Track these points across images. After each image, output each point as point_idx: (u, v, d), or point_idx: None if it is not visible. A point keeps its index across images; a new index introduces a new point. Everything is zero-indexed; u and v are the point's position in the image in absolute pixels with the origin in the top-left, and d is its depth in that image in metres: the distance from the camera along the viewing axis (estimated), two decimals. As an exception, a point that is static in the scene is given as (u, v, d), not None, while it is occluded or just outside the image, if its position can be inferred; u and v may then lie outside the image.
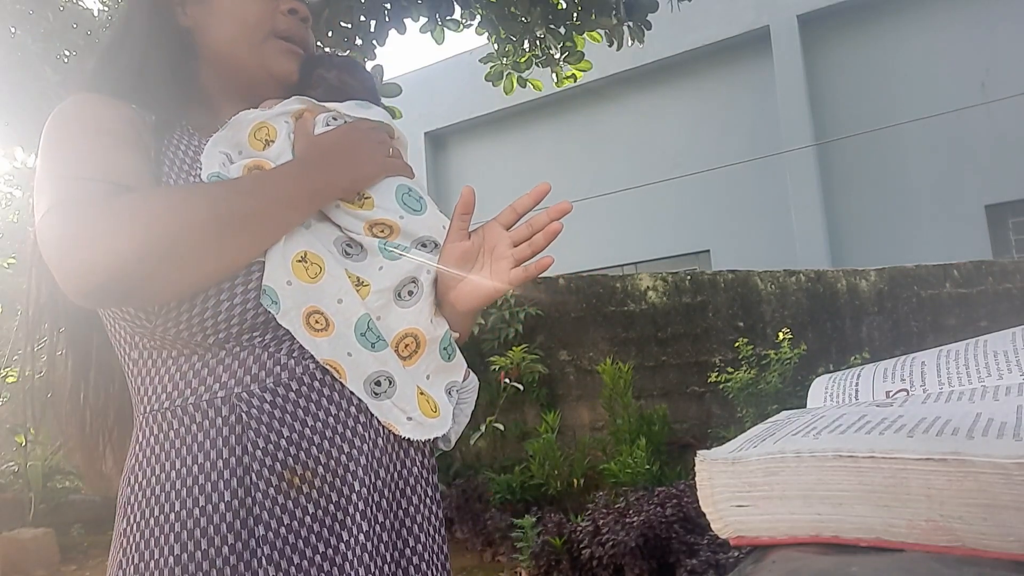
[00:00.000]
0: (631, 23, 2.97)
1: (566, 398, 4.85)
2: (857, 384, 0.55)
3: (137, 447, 0.74)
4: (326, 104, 0.87)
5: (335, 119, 0.85)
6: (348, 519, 0.71)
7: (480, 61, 3.49)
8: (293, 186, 0.75)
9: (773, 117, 8.55)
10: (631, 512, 3.02)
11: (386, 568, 0.73)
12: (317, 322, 0.73)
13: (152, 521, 0.70)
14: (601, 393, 4.24)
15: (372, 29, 2.91)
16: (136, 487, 0.72)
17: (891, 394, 0.51)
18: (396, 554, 0.75)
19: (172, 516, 0.69)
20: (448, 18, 3.03)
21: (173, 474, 0.70)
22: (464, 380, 0.86)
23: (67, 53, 3.70)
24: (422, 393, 0.79)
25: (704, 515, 0.40)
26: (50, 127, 0.75)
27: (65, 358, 0.84)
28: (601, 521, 3.05)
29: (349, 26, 2.87)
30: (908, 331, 4.31)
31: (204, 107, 0.87)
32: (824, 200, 8.28)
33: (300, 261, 0.74)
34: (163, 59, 0.83)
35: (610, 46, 3.08)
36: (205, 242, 0.67)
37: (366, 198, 0.81)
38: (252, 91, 0.87)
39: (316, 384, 0.73)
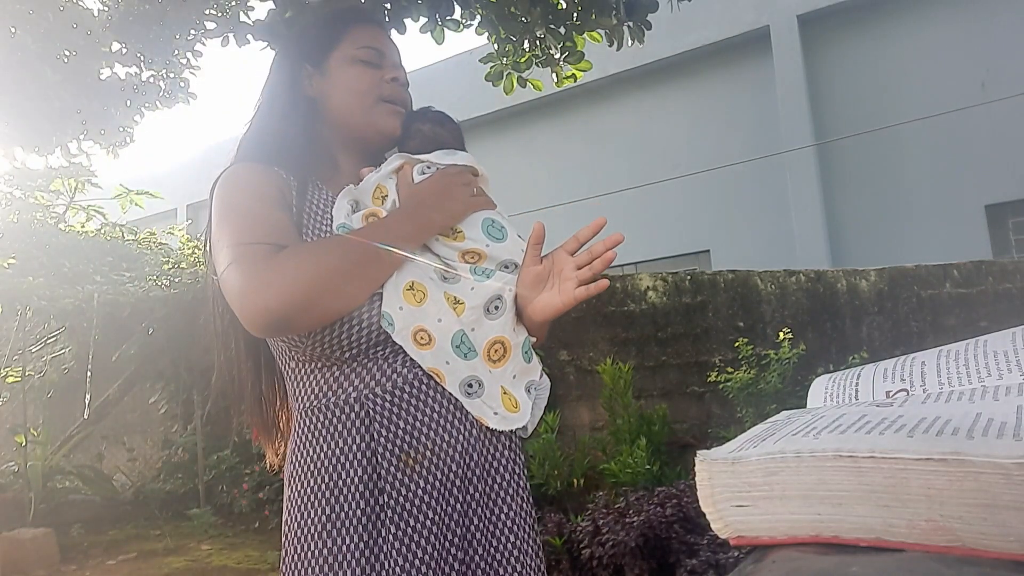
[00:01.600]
0: (631, 23, 2.97)
1: (566, 398, 4.85)
2: (857, 384, 0.55)
3: (295, 434, 0.97)
4: (419, 156, 1.06)
5: (428, 168, 1.04)
6: (446, 491, 0.92)
7: (480, 61, 3.48)
8: (401, 230, 0.96)
9: (773, 117, 8.55)
10: (631, 512, 3.02)
11: (481, 526, 0.94)
12: (422, 338, 0.93)
13: (308, 490, 0.92)
14: (601, 393, 4.23)
15: (372, 29, 2.91)
16: (296, 465, 0.95)
17: (891, 394, 0.51)
18: (491, 515, 0.96)
19: (323, 486, 0.91)
20: (448, 18, 3.02)
21: (321, 455, 0.92)
22: (539, 379, 1.04)
23: (67, 53, 3.70)
24: (505, 393, 0.98)
25: (704, 515, 0.40)
26: (220, 195, 0.97)
27: (247, 363, 1.07)
28: (601, 521, 3.05)
29: (349, 26, 2.87)
30: (908, 331, 4.31)
31: (327, 161, 1.08)
32: (824, 200, 8.28)
33: (409, 290, 0.94)
34: (298, 125, 1.05)
35: (610, 46, 3.08)
36: (342, 282, 0.89)
37: (458, 232, 1.01)
38: (365, 146, 1.09)
39: (423, 387, 0.94)
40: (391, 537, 0.89)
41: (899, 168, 7.98)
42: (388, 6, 2.90)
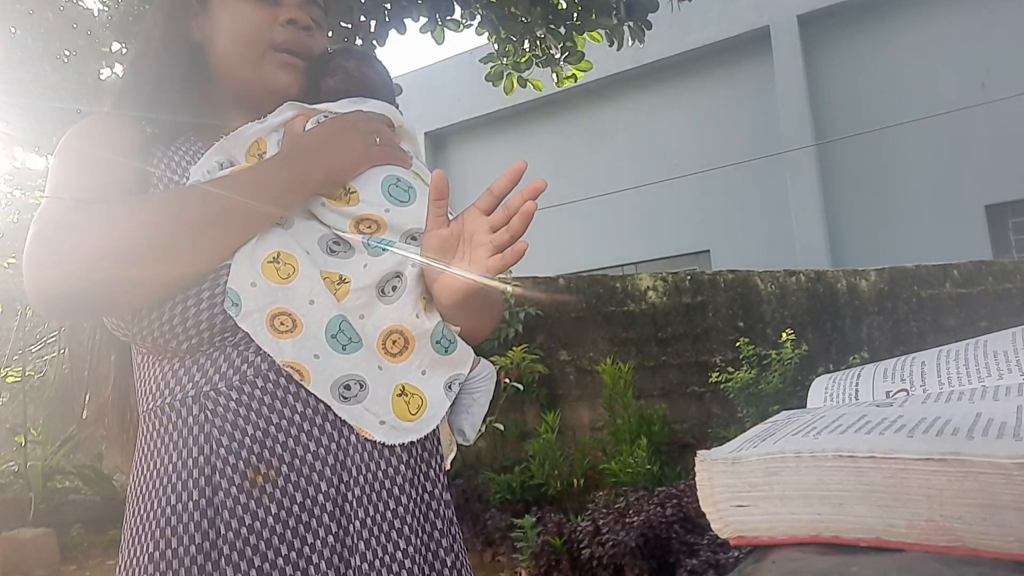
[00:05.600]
0: (631, 23, 2.97)
1: (566, 398, 4.85)
2: (857, 384, 0.54)
3: (136, 445, 0.76)
4: (318, 106, 0.85)
5: (325, 118, 0.83)
6: (314, 520, 0.70)
7: (480, 61, 3.48)
8: (259, 184, 0.75)
9: (773, 117, 8.55)
10: (631, 512, 3.02)
11: (364, 569, 0.70)
12: (282, 324, 0.72)
13: (137, 519, 0.72)
14: (601, 393, 4.23)
15: (372, 29, 2.91)
16: (132, 484, 0.75)
17: (891, 394, 0.51)
18: (381, 554, 0.72)
19: (150, 513, 0.70)
20: (448, 18, 3.03)
21: (152, 472, 0.72)
22: (471, 371, 0.82)
23: (67, 53, 3.70)
24: (402, 394, 0.75)
25: (704, 515, 0.40)
26: (55, 153, 0.79)
27: (109, 358, 0.87)
28: (601, 521, 3.05)
29: (349, 26, 2.88)
30: (908, 331, 4.31)
31: (214, 118, 0.87)
32: (824, 200, 8.28)
33: (272, 262, 0.73)
34: (175, 73, 0.85)
35: (610, 46, 3.08)
36: (156, 248, 0.69)
37: (351, 192, 0.79)
38: (255, 104, 0.87)
39: (283, 381, 0.72)
40: None
41: (899, 168, 7.99)
42: (388, 6, 2.90)
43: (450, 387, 0.79)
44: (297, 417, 0.72)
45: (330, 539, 0.70)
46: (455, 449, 0.89)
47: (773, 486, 0.37)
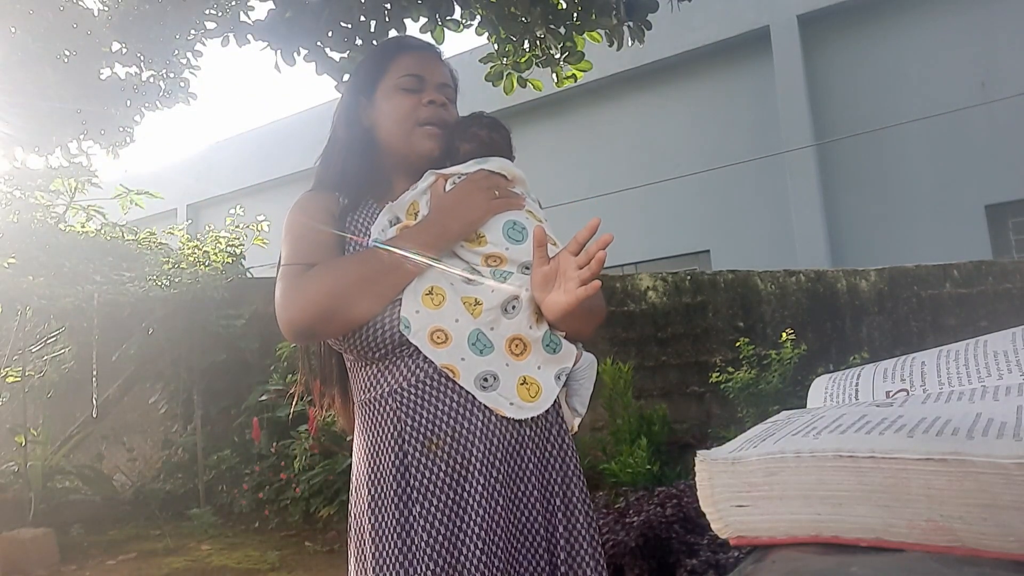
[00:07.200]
0: (631, 23, 2.97)
1: (566, 398, 4.85)
2: (857, 384, 0.55)
3: (356, 424, 1.15)
4: (450, 170, 1.15)
5: (459, 179, 1.13)
6: (469, 474, 1.03)
7: (480, 61, 3.48)
8: (418, 240, 1.08)
9: (773, 117, 8.55)
10: (631, 512, 3.02)
11: (503, 503, 1.03)
12: (439, 337, 1.04)
13: (358, 474, 1.11)
14: (601, 393, 4.23)
15: (372, 29, 2.91)
16: (355, 452, 1.14)
17: (891, 394, 0.51)
18: (518, 493, 1.06)
19: (367, 471, 1.08)
20: (448, 18, 3.02)
21: (366, 444, 1.10)
22: (576, 364, 1.12)
23: (67, 53, 3.71)
24: (524, 383, 1.06)
25: (704, 515, 0.40)
26: (285, 223, 1.17)
27: (331, 361, 1.24)
28: (601, 521, 3.05)
29: (349, 26, 2.87)
30: (908, 331, 4.31)
31: (383, 181, 1.23)
32: (824, 200, 8.28)
33: (428, 294, 1.06)
34: (354, 153, 1.21)
35: (610, 46, 3.08)
36: (358, 294, 1.04)
37: (480, 236, 1.10)
38: (410, 167, 1.20)
39: (442, 378, 1.05)
40: (418, 514, 1.02)
41: (899, 168, 7.98)
42: (388, 6, 2.90)
43: (559, 377, 1.09)
44: (454, 403, 1.05)
45: (479, 487, 1.02)
46: (575, 418, 1.21)
47: (773, 486, 0.37)
